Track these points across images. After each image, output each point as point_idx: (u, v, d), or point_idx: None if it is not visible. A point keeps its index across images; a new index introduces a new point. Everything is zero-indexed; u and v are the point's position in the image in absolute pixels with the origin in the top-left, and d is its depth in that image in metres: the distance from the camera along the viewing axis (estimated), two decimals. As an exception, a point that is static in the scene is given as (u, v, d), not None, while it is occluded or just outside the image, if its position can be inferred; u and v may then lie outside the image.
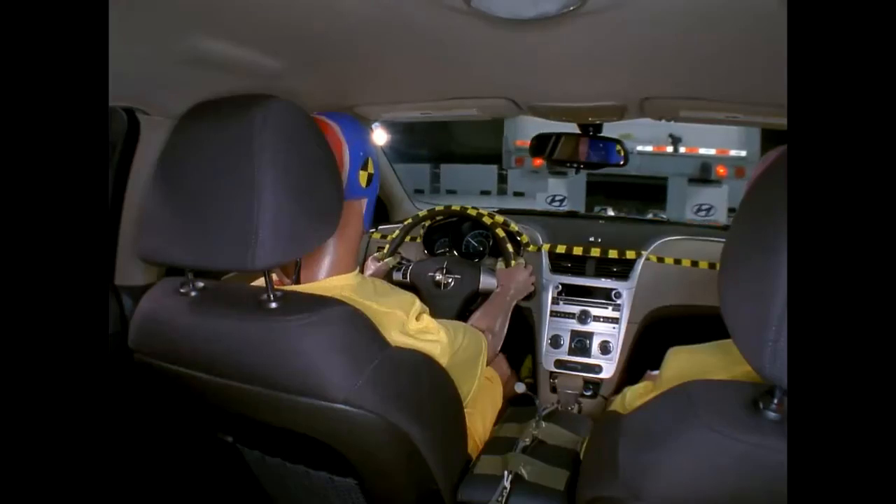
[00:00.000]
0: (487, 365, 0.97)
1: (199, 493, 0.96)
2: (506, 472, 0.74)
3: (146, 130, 0.83)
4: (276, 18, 0.58)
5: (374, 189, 0.77)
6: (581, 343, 1.26)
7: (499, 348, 1.08)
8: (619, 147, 1.23)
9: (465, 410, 0.82)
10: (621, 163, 1.25)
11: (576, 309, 1.27)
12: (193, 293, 0.67)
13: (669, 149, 4.84)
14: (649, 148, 4.85)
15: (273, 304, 0.60)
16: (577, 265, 1.30)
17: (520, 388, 1.00)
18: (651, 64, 0.67)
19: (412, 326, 0.70)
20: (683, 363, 0.60)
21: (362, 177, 0.74)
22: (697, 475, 0.45)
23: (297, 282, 0.71)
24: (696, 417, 0.45)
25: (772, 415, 0.42)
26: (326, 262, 0.72)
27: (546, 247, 1.33)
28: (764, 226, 0.42)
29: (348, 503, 0.77)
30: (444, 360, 0.72)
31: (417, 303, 0.73)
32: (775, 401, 0.42)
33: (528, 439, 0.82)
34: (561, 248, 1.32)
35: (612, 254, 1.28)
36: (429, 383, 0.70)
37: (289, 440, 0.71)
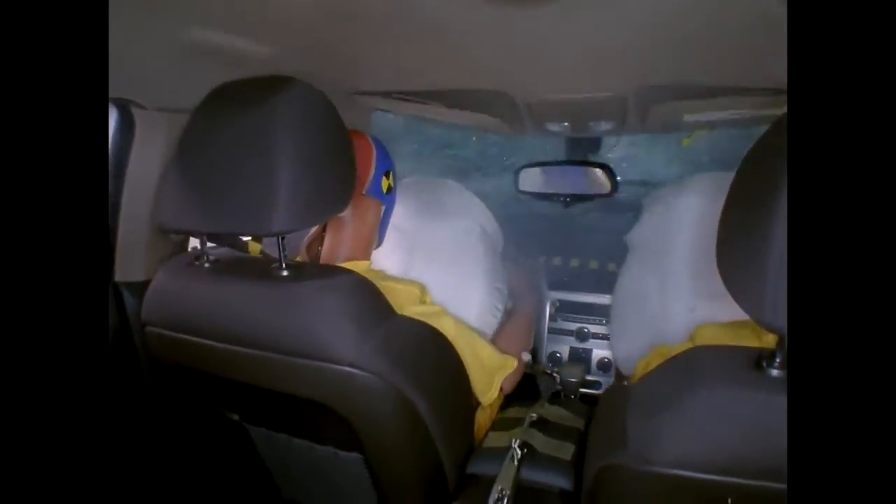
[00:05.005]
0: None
1: (199, 484, 0.96)
2: (514, 440, 0.75)
3: (142, 124, 0.82)
4: (271, 3, 0.57)
5: (392, 199, 0.86)
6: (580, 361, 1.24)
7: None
8: (603, 172, 1.13)
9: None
10: (606, 193, 1.15)
11: (573, 326, 1.25)
12: (207, 264, 0.70)
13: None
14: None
15: (284, 272, 0.64)
16: (574, 280, 1.28)
17: (526, 356, 0.98)
18: (651, 51, 0.67)
19: (427, 300, 0.76)
20: (708, 338, 0.60)
21: (384, 183, 0.83)
22: (705, 436, 0.45)
23: None
24: (701, 379, 0.46)
25: (775, 372, 0.43)
26: (343, 253, 0.79)
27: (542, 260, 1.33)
28: (762, 176, 0.42)
29: (352, 479, 0.77)
30: (450, 334, 0.75)
31: (429, 290, 0.79)
32: (778, 359, 0.43)
33: (534, 415, 0.84)
34: (557, 262, 1.32)
35: (611, 267, 1.26)
36: (435, 355, 0.73)
37: (295, 414, 0.73)
